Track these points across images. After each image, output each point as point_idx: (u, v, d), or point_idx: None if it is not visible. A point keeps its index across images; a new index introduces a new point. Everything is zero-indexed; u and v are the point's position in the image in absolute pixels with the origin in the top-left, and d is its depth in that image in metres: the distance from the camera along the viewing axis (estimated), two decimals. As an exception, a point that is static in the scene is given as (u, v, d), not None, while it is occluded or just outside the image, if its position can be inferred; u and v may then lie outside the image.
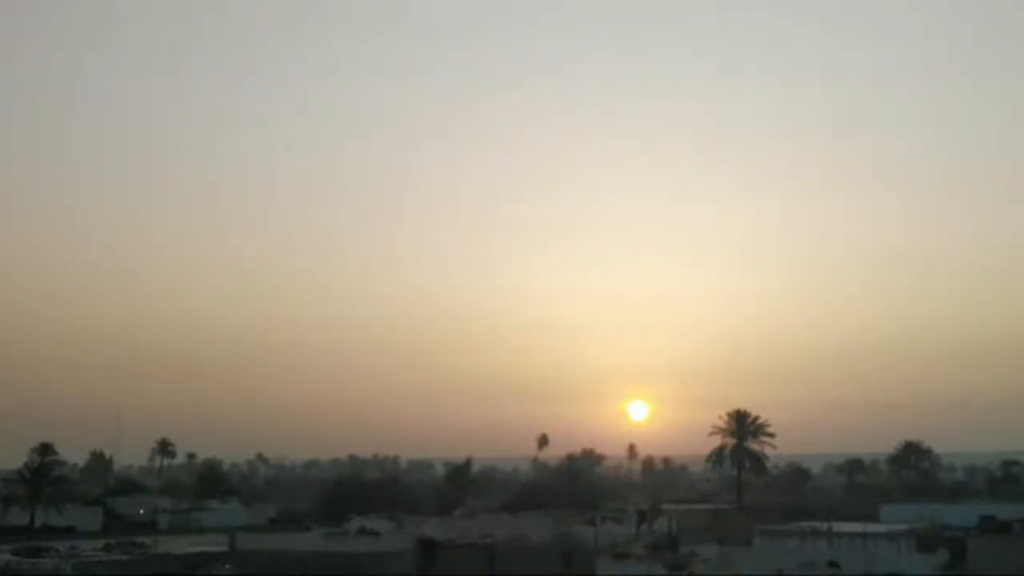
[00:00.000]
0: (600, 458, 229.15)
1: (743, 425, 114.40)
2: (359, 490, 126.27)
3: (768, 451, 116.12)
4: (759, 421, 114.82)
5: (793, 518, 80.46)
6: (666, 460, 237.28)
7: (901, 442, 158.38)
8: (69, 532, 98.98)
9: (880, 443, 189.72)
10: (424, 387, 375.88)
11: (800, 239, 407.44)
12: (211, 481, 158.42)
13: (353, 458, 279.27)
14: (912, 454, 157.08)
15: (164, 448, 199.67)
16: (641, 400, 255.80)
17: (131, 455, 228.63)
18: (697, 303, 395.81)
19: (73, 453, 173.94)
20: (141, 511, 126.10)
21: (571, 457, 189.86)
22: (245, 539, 71.78)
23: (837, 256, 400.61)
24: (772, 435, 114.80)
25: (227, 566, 65.57)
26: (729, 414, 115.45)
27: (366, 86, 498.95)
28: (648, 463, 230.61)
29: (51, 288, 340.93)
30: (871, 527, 65.52)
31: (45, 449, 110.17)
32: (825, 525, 63.87)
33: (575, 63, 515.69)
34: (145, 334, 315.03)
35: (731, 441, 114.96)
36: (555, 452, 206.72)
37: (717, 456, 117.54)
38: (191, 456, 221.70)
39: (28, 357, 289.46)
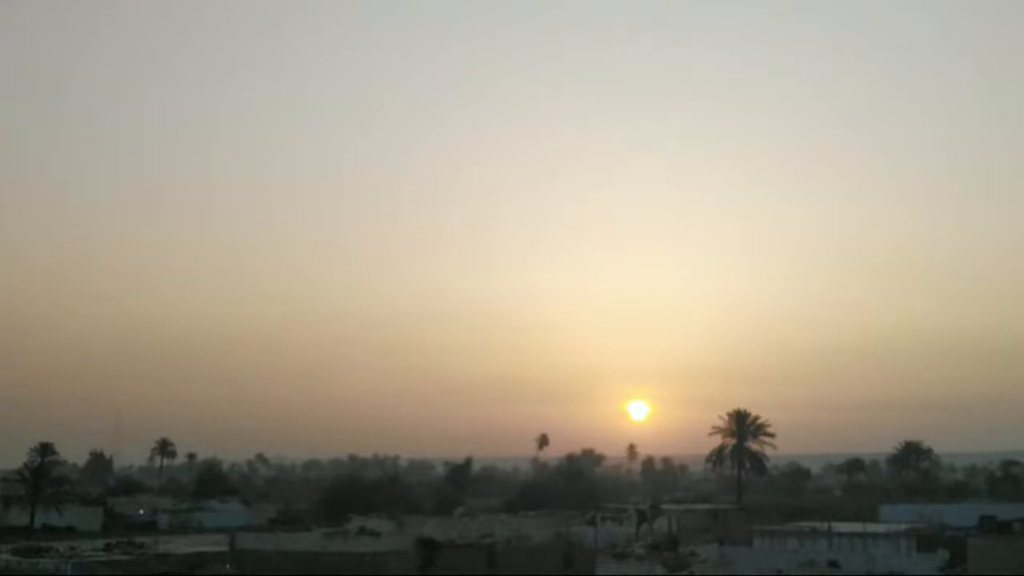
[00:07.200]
0: (600, 458, 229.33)
1: (743, 425, 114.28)
2: (359, 490, 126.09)
3: (768, 451, 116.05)
4: (759, 421, 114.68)
5: (793, 518, 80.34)
6: (666, 460, 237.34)
7: (901, 442, 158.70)
8: (69, 532, 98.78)
9: (880, 443, 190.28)
10: (424, 387, 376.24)
11: (800, 239, 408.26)
12: (211, 481, 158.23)
13: (353, 458, 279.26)
14: (912, 454, 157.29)
15: (164, 448, 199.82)
16: (641, 400, 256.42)
17: (131, 455, 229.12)
18: (697, 303, 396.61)
19: (73, 453, 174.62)
20: (141, 511, 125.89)
21: (571, 457, 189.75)
22: (245, 539, 71.68)
23: (837, 256, 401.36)
24: (772, 435, 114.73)
25: (227, 566, 65.51)
26: (729, 414, 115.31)
27: (365, 86, 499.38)
28: (648, 463, 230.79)
29: (51, 288, 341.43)
30: (871, 527, 65.38)
31: (45, 449, 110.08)
32: (825, 525, 63.73)
33: (574, 62, 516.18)
34: (145, 334, 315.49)
35: (731, 441, 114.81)
36: (555, 452, 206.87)
37: (717, 456, 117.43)
38: (191, 456, 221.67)
39: (28, 357, 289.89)
